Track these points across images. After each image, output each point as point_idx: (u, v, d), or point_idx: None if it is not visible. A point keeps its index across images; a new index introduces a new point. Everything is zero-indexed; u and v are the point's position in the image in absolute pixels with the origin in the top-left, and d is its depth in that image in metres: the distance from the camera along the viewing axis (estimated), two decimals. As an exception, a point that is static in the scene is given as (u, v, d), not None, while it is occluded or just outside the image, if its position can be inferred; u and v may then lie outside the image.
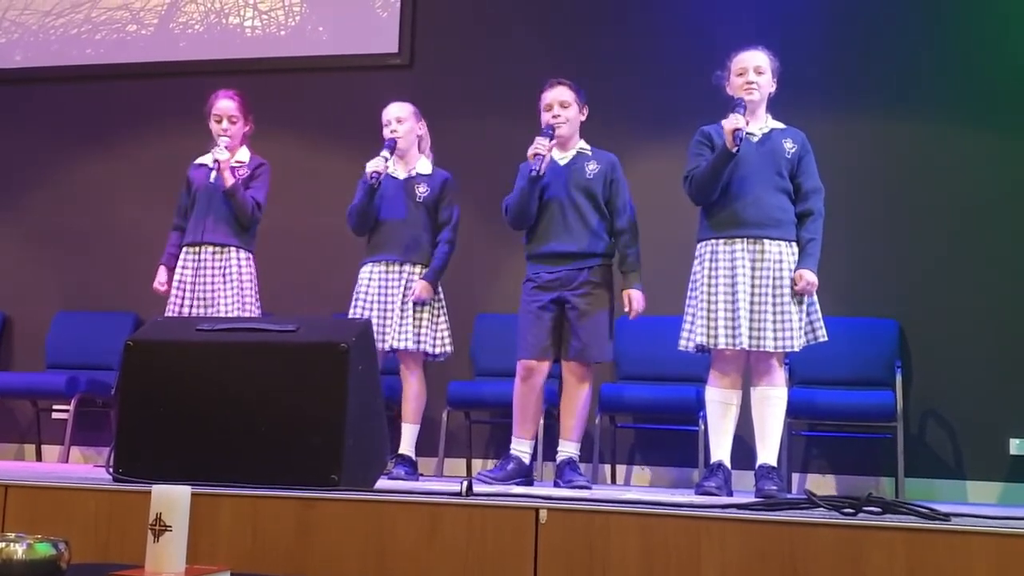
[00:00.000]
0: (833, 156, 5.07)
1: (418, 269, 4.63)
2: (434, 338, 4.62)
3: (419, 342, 4.56)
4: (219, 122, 4.83)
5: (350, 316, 4.58)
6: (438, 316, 4.65)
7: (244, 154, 4.89)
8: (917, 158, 5.56)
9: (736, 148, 3.86)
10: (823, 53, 5.72)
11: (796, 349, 3.91)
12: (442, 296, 4.69)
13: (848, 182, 5.41)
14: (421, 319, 4.59)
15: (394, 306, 4.58)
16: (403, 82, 6.14)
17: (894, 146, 5.60)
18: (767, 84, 4.06)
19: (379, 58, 6.37)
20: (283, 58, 6.51)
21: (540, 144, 4.22)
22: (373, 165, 4.57)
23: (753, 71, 4.03)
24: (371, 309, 4.57)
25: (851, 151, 5.53)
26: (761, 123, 4.06)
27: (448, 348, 4.67)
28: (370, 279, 4.62)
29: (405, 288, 4.59)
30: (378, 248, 4.66)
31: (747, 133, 3.97)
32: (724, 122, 3.89)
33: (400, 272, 4.62)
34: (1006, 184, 5.44)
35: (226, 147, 4.77)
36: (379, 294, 4.60)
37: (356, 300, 4.62)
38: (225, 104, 4.84)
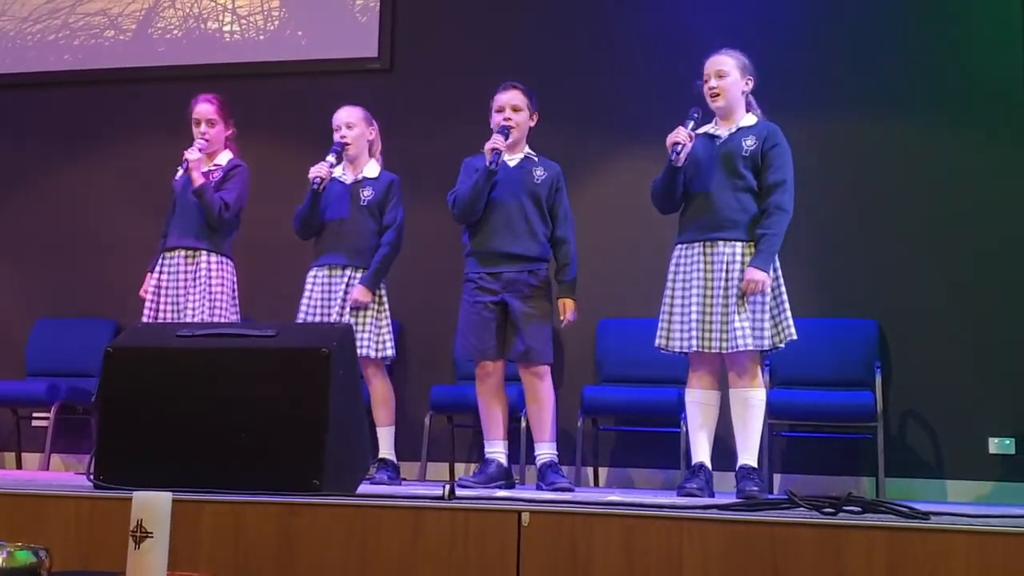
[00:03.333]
0: (811, 157, 5.10)
1: (360, 273, 4.59)
2: (375, 342, 4.54)
3: (358, 346, 4.45)
4: (197, 125, 4.84)
5: (298, 321, 4.53)
6: (380, 319, 4.58)
7: (225, 158, 4.89)
8: (896, 159, 5.59)
9: (681, 161, 3.90)
10: (801, 55, 5.74)
11: (749, 349, 3.85)
12: (384, 298, 4.62)
13: (826, 183, 5.45)
14: (364, 323, 4.54)
15: (333, 311, 4.54)
16: (382, 86, 6.15)
17: (872, 147, 5.63)
18: (734, 85, 4.05)
19: (358, 62, 6.36)
20: (262, 63, 6.50)
21: (498, 140, 4.26)
22: (316, 171, 4.56)
23: (715, 76, 4.05)
24: (314, 315, 4.55)
25: (829, 152, 5.56)
26: (733, 124, 4.08)
27: (389, 352, 4.58)
28: (313, 284, 4.61)
29: (345, 292, 4.56)
30: (322, 252, 4.64)
31: (715, 135, 4.01)
32: (670, 135, 3.95)
33: (343, 276, 4.59)
34: (985, 184, 5.47)
35: (201, 150, 4.77)
36: (322, 299, 4.58)
37: (301, 306, 4.59)
38: (203, 108, 4.85)
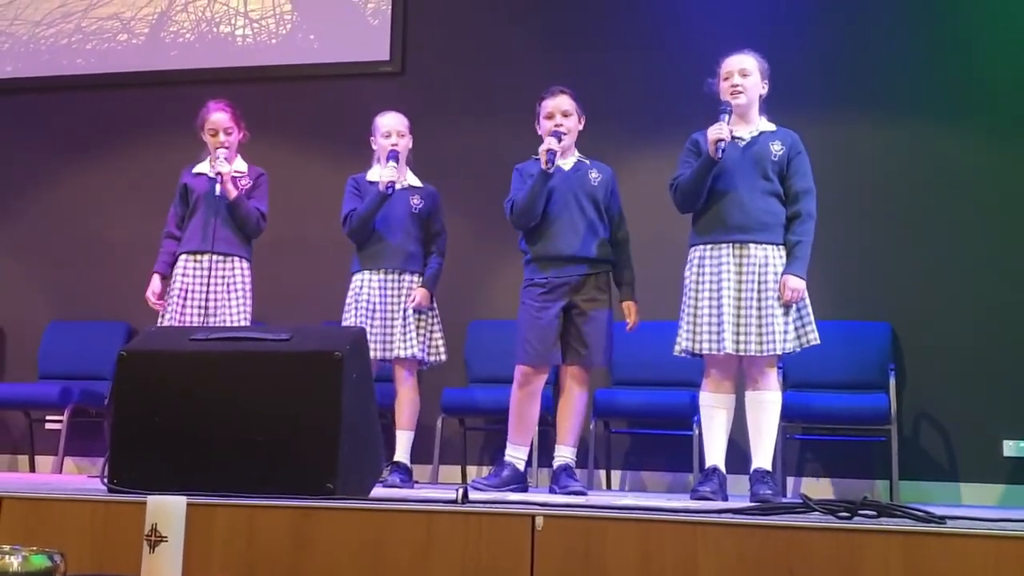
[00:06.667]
0: (825, 159, 5.06)
1: (415, 278, 4.66)
2: (430, 345, 4.67)
3: (420, 349, 4.61)
4: (215, 135, 4.81)
5: (345, 324, 4.58)
6: (433, 324, 4.69)
7: (240, 164, 4.89)
8: (909, 161, 5.58)
9: (719, 156, 3.88)
10: (816, 57, 5.73)
11: (779, 353, 3.89)
12: (435, 305, 4.72)
13: (840, 185, 5.42)
14: (420, 326, 4.63)
15: (397, 315, 4.60)
16: (394, 90, 6.15)
17: (886, 149, 5.61)
18: (755, 86, 4.05)
19: (370, 66, 6.37)
20: (274, 66, 6.51)
21: (551, 142, 4.20)
22: (388, 175, 4.58)
23: (738, 74, 4.03)
24: (372, 317, 4.58)
25: (844, 154, 5.54)
26: (752, 126, 4.06)
27: (442, 356, 4.73)
28: (369, 288, 4.62)
29: (402, 296, 4.62)
30: (376, 258, 4.66)
31: (736, 137, 3.98)
32: (709, 130, 3.91)
33: (399, 281, 4.64)
34: (998, 187, 5.45)
35: (225, 159, 4.76)
36: (381, 303, 4.61)
37: (354, 308, 4.62)
38: (219, 117, 4.82)
